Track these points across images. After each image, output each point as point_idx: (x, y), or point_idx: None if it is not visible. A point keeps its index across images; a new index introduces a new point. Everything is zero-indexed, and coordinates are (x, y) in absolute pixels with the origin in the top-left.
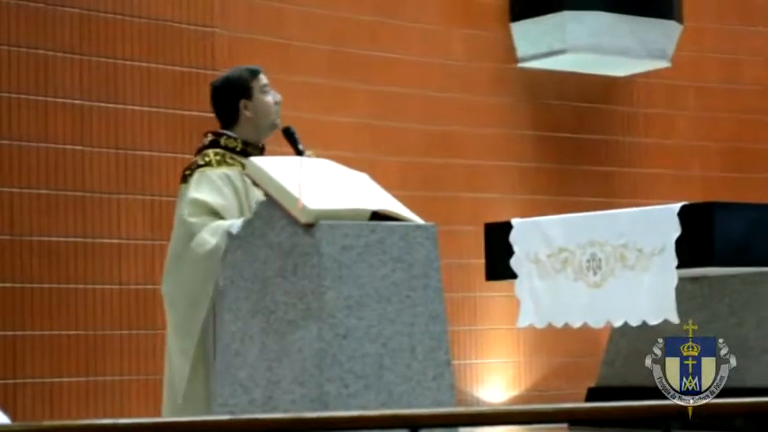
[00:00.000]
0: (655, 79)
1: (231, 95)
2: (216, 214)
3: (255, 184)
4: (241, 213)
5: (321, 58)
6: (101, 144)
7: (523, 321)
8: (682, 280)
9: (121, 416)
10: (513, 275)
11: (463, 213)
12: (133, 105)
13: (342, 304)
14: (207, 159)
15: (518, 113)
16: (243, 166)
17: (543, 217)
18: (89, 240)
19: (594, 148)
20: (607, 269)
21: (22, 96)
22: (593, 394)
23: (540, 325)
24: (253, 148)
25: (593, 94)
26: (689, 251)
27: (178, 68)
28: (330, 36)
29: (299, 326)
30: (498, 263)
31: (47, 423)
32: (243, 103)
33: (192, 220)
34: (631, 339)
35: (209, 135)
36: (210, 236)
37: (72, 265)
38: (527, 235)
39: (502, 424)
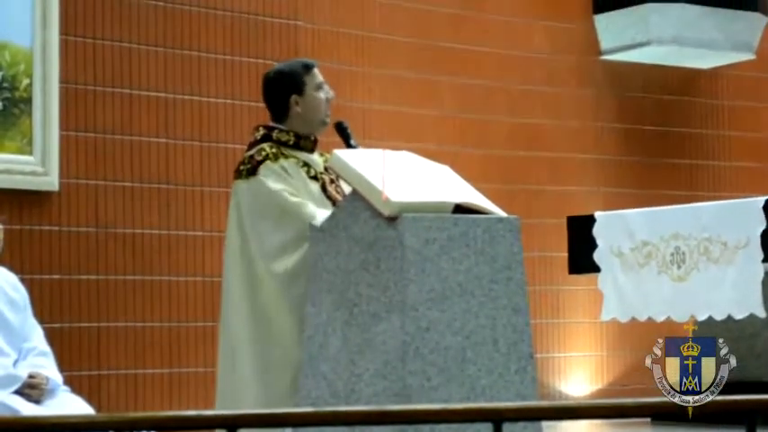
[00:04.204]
0: (739, 72)
1: (283, 89)
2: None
3: (339, 177)
4: None
5: (404, 50)
6: (185, 137)
7: (606, 315)
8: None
9: (205, 407)
10: (597, 269)
11: (546, 206)
12: (216, 98)
13: (424, 297)
14: (264, 154)
15: (601, 106)
16: (297, 158)
17: (627, 210)
18: (173, 232)
19: (678, 140)
20: (691, 263)
21: (107, 89)
22: None
23: (623, 319)
24: (305, 140)
25: (677, 87)
26: None
27: (261, 61)
28: (413, 29)
29: (381, 318)
30: (581, 256)
31: (132, 414)
32: (294, 98)
33: (294, 200)
34: (716, 334)
35: (261, 129)
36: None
37: (156, 256)
38: (610, 228)
39: (586, 418)
